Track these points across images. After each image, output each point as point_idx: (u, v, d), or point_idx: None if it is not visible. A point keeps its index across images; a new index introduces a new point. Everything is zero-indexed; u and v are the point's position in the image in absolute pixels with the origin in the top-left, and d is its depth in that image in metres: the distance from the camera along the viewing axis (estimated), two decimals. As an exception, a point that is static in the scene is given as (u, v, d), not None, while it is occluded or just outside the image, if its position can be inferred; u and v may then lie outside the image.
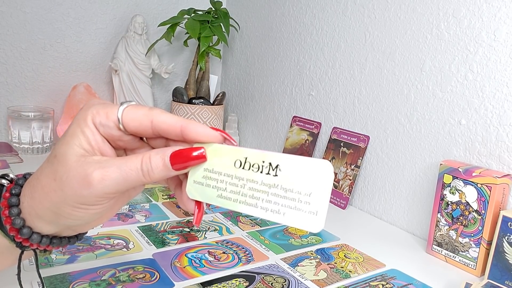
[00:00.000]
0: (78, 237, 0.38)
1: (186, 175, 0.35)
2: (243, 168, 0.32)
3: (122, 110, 0.33)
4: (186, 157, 0.32)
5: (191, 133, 0.33)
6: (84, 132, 0.32)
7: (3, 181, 0.36)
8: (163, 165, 0.32)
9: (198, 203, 0.36)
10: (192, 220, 0.33)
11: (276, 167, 0.31)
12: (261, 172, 0.32)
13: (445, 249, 0.66)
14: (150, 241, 0.63)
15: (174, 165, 0.32)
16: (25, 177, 0.36)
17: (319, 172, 0.30)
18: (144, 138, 0.37)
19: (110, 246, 0.61)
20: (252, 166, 0.32)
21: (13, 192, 0.34)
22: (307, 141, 1.00)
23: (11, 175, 0.37)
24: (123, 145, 0.35)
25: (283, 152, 1.06)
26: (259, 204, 0.32)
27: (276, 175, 0.31)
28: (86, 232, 0.40)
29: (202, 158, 0.33)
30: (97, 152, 0.33)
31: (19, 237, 0.34)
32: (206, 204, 0.35)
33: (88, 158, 0.32)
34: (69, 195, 0.32)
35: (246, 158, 0.32)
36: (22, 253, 0.36)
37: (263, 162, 0.31)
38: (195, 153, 0.33)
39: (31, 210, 0.33)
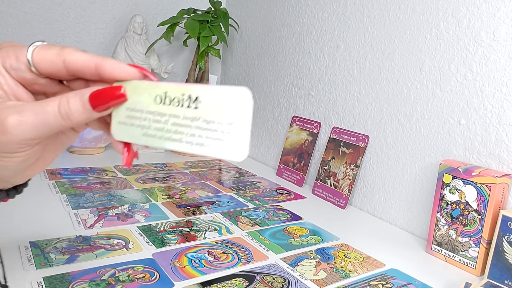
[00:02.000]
0: (18, 189, 0.36)
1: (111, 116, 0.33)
2: (163, 103, 0.31)
3: (31, 51, 0.31)
4: (105, 97, 0.31)
5: (107, 70, 0.31)
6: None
7: None
8: (82, 107, 0.30)
9: (127, 144, 0.34)
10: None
11: (196, 99, 0.30)
12: (182, 106, 0.31)
13: (445, 249, 0.66)
14: (149, 241, 0.63)
15: (95, 106, 0.31)
16: None
17: (238, 100, 0.29)
18: (65, 82, 0.34)
19: (109, 246, 0.61)
20: (173, 101, 0.31)
21: None
22: (307, 141, 1.00)
23: None
24: (40, 89, 0.33)
25: (282, 153, 1.06)
26: (184, 138, 0.31)
27: (196, 108, 0.30)
28: (26, 185, 0.37)
29: (122, 97, 0.32)
30: (11, 98, 0.31)
31: None
32: (143, 146, 0.34)
33: (1, 104, 0.30)
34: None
35: (166, 93, 0.31)
36: None
37: (183, 95, 0.31)
38: (115, 92, 0.31)
39: None
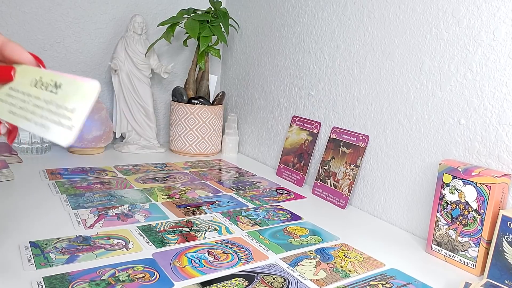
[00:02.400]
0: None
1: None
2: (35, 86, 0.35)
3: None
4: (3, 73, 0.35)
5: (7, 51, 0.36)
6: None
7: None
8: None
9: None
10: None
11: (59, 86, 0.34)
12: (46, 89, 0.34)
13: (445, 249, 0.66)
14: (149, 241, 0.63)
15: None
16: None
17: (86, 91, 0.32)
18: None
19: (109, 246, 0.61)
20: (42, 85, 0.34)
21: None
22: (307, 141, 1.00)
23: None
24: None
25: (282, 152, 1.06)
26: (34, 119, 0.34)
27: (56, 93, 0.33)
28: None
29: (10, 77, 0.35)
30: None
31: None
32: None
33: None
34: None
35: (40, 78, 0.35)
36: None
37: (51, 80, 0.34)
38: (7, 71, 0.35)
39: None
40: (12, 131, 0.38)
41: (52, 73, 0.35)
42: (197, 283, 0.53)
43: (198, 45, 1.14)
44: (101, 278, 0.52)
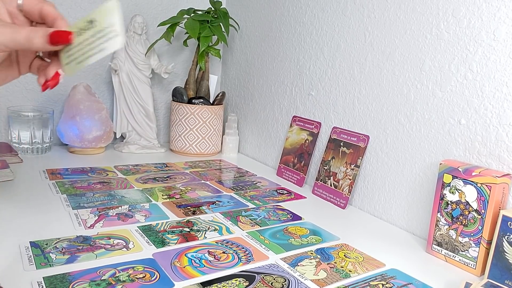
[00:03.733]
0: None
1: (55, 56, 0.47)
2: (79, 35, 0.44)
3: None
4: (60, 36, 0.43)
5: (44, 11, 0.46)
6: None
7: None
8: (43, 38, 0.42)
9: (57, 73, 0.47)
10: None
11: (93, 20, 0.44)
12: (87, 30, 0.44)
13: (445, 249, 0.66)
14: (150, 241, 0.63)
15: (51, 41, 0.43)
16: None
17: (108, 8, 0.43)
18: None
19: (110, 246, 0.61)
20: (82, 30, 0.44)
21: None
22: (307, 141, 1.00)
23: None
24: (17, 23, 0.46)
25: (282, 153, 1.06)
26: (94, 52, 0.44)
27: (94, 26, 0.43)
28: None
29: (70, 40, 0.44)
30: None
31: None
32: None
33: None
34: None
35: (79, 28, 0.45)
36: None
37: (86, 22, 0.44)
38: (67, 36, 0.44)
39: None
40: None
41: (82, 18, 0.45)
42: (198, 283, 0.53)
43: (198, 45, 1.14)
44: (102, 278, 0.52)
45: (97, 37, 0.43)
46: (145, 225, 0.69)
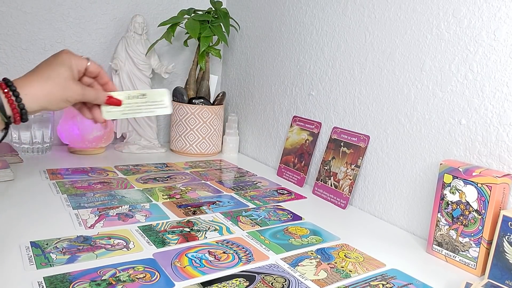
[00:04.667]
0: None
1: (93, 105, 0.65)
2: (128, 99, 0.65)
3: (89, 62, 0.62)
4: (113, 101, 0.64)
5: (108, 88, 0.64)
6: (72, 67, 0.61)
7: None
8: (102, 99, 0.63)
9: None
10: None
11: (144, 94, 0.65)
12: (137, 98, 0.65)
13: (445, 249, 0.66)
14: (150, 241, 0.63)
15: (107, 102, 0.63)
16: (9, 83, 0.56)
17: (160, 92, 0.66)
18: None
19: (110, 246, 0.61)
20: (132, 97, 0.65)
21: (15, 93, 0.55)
22: (307, 141, 1.00)
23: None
24: (84, 82, 0.64)
25: (283, 153, 1.06)
26: (142, 111, 0.65)
27: (145, 97, 0.65)
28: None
29: (120, 104, 0.64)
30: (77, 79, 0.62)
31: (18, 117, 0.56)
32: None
33: (77, 82, 0.61)
34: (66, 95, 0.59)
35: (129, 95, 0.65)
36: (6, 127, 0.56)
37: (137, 93, 0.65)
38: (118, 102, 0.64)
39: (36, 97, 0.57)
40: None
41: (136, 90, 0.69)
42: (198, 283, 0.53)
43: (199, 45, 1.14)
44: (102, 278, 0.52)
45: (148, 104, 0.66)
46: (146, 225, 0.69)
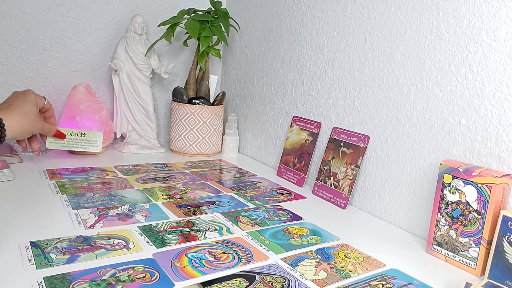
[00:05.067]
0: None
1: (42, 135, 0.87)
2: (70, 135, 0.91)
3: (46, 101, 0.80)
4: (60, 135, 0.89)
5: (51, 121, 0.84)
6: (37, 105, 0.77)
7: None
8: (53, 132, 0.84)
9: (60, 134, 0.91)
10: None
11: (83, 134, 0.92)
12: (77, 135, 0.91)
13: (445, 249, 0.66)
14: (150, 241, 0.63)
15: (56, 135, 0.87)
16: None
17: (96, 134, 0.95)
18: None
19: (110, 246, 0.61)
20: (73, 134, 0.90)
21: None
22: (307, 141, 1.00)
23: None
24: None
25: (282, 153, 1.06)
26: (80, 145, 0.93)
27: (84, 136, 0.92)
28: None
29: (64, 137, 0.90)
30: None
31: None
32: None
33: (41, 119, 0.79)
34: (32, 128, 0.75)
35: (71, 132, 0.91)
36: None
37: (78, 132, 0.92)
38: (63, 136, 0.89)
39: (13, 129, 0.70)
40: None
41: (77, 130, 0.93)
42: (198, 283, 0.53)
43: (199, 45, 1.14)
44: (102, 278, 0.52)
45: (85, 142, 0.93)
46: (145, 225, 0.69)
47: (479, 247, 0.61)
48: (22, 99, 0.74)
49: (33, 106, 0.74)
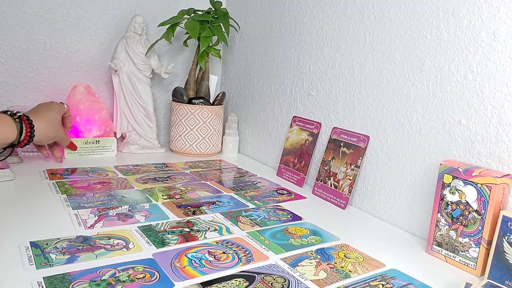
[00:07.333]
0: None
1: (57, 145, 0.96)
2: (84, 144, 1.02)
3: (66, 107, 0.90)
4: (73, 147, 1.01)
5: (63, 137, 0.92)
6: (60, 114, 0.87)
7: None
8: (67, 143, 0.95)
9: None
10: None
11: (98, 141, 1.05)
12: (93, 143, 1.04)
13: (445, 249, 0.66)
14: (150, 241, 0.63)
15: (69, 146, 0.99)
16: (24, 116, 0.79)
17: (112, 139, 1.09)
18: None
19: (110, 246, 0.61)
20: (88, 143, 1.03)
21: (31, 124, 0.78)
22: (307, 141, 1.00)
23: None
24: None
25: (282, 153, 1.06)
26: (95, 152, 1.05)
27: (98, 142, 1.05)
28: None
29: (76, 148, 1.02)
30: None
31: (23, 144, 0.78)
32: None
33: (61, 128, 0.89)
34: (55, 135, 0.86)
35: (86, 141, 1.04)
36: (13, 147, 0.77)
37: (93, 140, 1.05)
38: (75, 147, 1.02)
39: (40, 132, 0.80)
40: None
41: (91, 138, 1.05)
42: (198, 284, 0.53)
43: (199, 45, 1.14)
44: (102, 278, 0.52)
45: (100, 148, 1.04)
46: (145, 225, 0.69)
47: (479, 247, 0.61)
48: (47, 107, 0.81)
49: (57, 114, 0.82)
